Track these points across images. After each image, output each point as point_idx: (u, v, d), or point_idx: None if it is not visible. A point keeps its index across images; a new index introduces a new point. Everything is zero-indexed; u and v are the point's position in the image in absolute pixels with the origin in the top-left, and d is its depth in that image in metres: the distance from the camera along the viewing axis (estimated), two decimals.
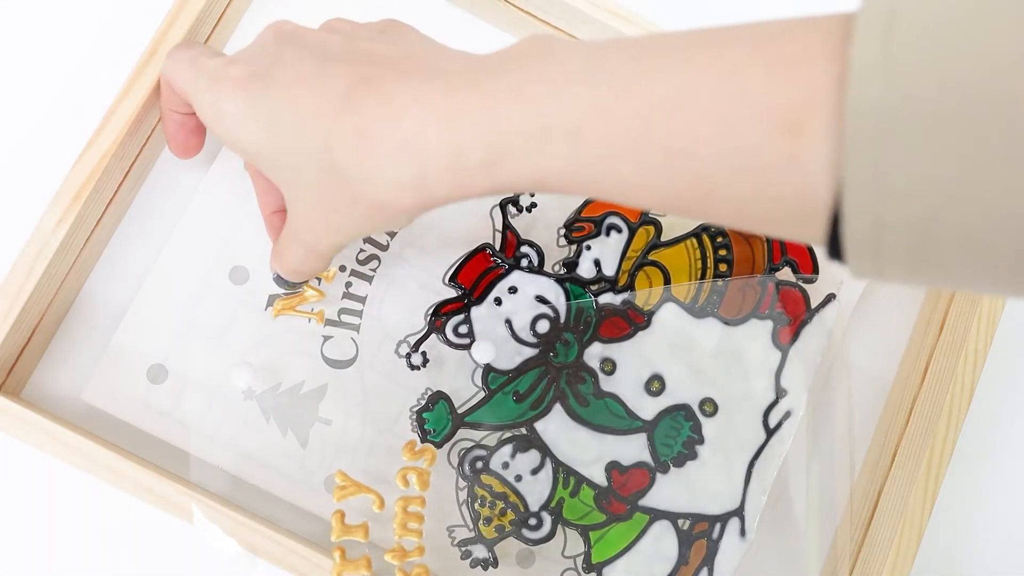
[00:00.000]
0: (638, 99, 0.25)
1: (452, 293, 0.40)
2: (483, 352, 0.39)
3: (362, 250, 0.41)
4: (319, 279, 0.40)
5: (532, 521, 0.39)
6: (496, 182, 0.27)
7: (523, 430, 0.39)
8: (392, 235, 0.41)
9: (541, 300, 0.40)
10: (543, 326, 0.40)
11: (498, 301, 0.40)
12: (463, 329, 0.40)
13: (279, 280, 0.40)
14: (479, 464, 0.39)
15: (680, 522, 0.40)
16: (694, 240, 0.41)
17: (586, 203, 0.41)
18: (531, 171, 0.27)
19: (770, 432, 0.41)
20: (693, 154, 0.24)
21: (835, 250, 0.23)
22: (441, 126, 0.27)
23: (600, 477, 0.40)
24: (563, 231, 0.41)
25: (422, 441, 0.39)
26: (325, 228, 0.32)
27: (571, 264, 0.41)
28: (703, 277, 0.41)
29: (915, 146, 0.21)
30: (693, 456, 0.40)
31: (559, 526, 0.39)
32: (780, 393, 0.41)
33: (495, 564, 0.39)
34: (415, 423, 0.39)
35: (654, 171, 0.25)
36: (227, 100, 0.31)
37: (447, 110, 0.27)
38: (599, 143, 0.25)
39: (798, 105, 0.23)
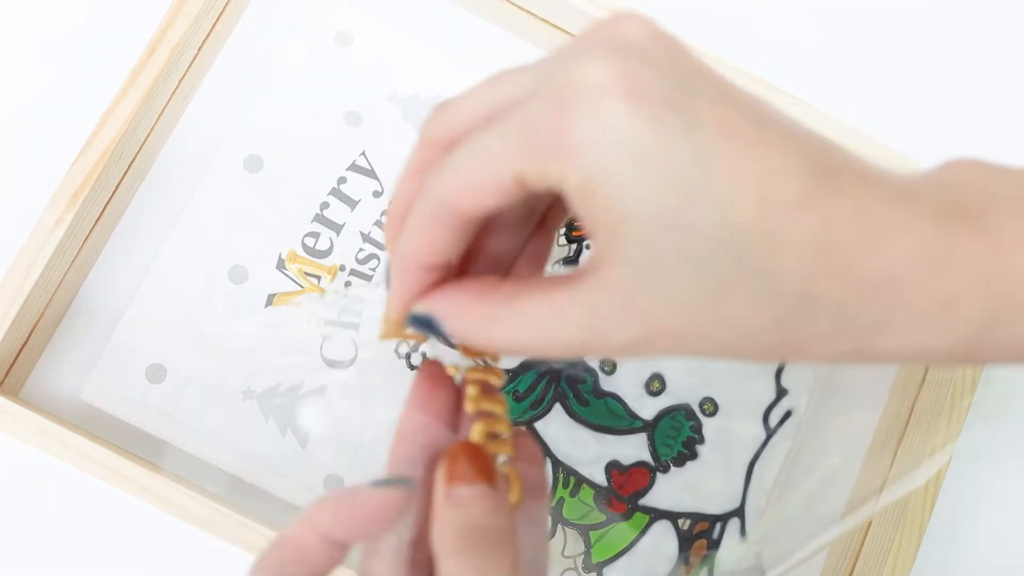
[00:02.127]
0: None
1: None
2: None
3: (361, 249, 0.41)
4: (318, 277, 0.40)
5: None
6: (983, 346, 0.22)
7: (523, 430, 0.39)
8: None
9: None
10: None
11: None
12: None
13: (418, 325, 0.26)
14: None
15: (680, 522, 0.40)
16: None
17: None
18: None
19: (771, 432, 0.41)
20: None
21: None
22: (932, 268, 0.21)
23: (600, 477, 0.39)
24: (563, 230, 0.41)
25: None
26: (676, 337, 0.22)
27: (571, 263, 0.41)
28: None
29: None
30: (693, 456, 0.40)
31: (559, 526, 0.39)
32: (781, 392, 0.41)
33: None
34: None
35: None
36: (625, 118, 0.20)
37: (942, 249, 0.21)
38: None
39: None
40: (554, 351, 0.23)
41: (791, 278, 0.21)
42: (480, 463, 0.24)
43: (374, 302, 0.41)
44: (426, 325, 0.25)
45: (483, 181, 0.22)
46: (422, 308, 0.25)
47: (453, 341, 0.25)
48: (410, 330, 0.26)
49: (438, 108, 0.24)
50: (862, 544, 0.41)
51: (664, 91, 0.20)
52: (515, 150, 0.21)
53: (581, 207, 0.21)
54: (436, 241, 0.24)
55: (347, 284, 0.41)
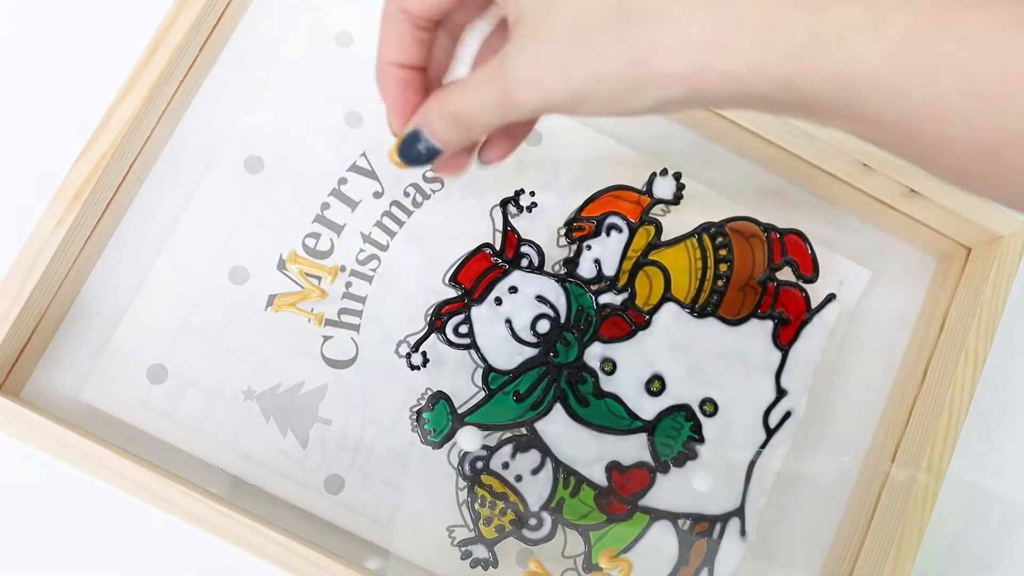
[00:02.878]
0: (987, 14, 0.22)
1: (452, 293, 0.40)
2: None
3: (362, 250, 0.41)
4: (319, 278, 0.40)
5: (532, 521, 0.39)
6: (799, 69, 0.24)
7: (523, 430, 0.39)
8: (392, 235, 0.41)
9: (541, 300, 0.40)
10: (543, 326, 0.40)
11: (498, 301, 0.40)
12: (463, 329, 0.40)
13: (410, 150, 0.31)
14: (479, 464, 0.39)
15: (680, 522, 0.40)
16: (694, 240, 0.41)
17: (586, 203, 0.41)
18: (842, 68, 0.23)
19: (770, 432, 0.41)
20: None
21: None
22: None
23: (600, 477, 0.40)
24: (563, 231, 0.41)
25: (422, 441, 0.39)
26: (555, 70, 0.26)
27: (571, 264, 0.41)
28: (703, 277, 0.41)
29: None
30: (693, 456, 0.40)
31: (559, 526, 0.39)
32: (780, 393, 0.41)
33: (495, 564, 0.39)
34: (415, 423, 0.39)
35: (977, 99, 0.22)
36: None
37: None
38: (929, 50, 0.23)
39: None
40: (487, 105, 0.28)
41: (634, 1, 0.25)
42: None
43: (375, 302, 0.41)
44: (413, 148, 0.31)
45: None
46: (409, 128, 0.31)
47: (439, 146, 0.30)
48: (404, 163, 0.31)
49: None
50: (862, 544, 0.41)
51: None
52: None
53: None
54: (397, 41, 0.30)
55: (348, 285, 0.41)
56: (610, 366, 0.40)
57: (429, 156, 0.31)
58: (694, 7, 0.24)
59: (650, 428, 0.40)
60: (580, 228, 0.41)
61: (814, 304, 0.42)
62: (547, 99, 0.27)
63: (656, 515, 0.40)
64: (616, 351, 0.40)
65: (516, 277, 0.40)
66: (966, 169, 0.24)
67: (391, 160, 0.32)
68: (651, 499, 0.40)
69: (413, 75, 0.31)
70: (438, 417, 0.39)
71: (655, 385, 0.40)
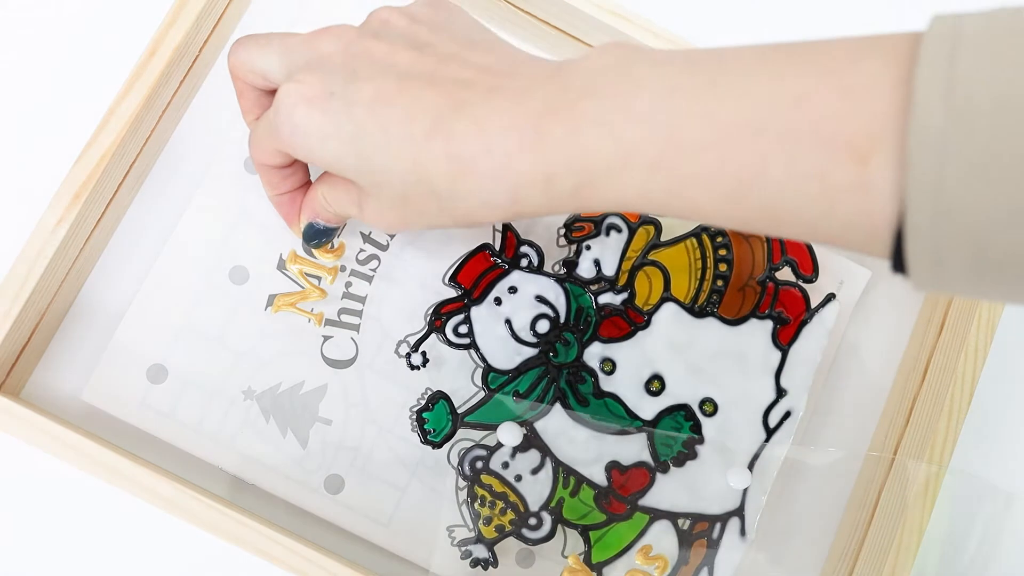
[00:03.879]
0: (713, 130, 0.26)
1: (452, 293, 0.40)
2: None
3: (362, 250, 0.41)
4: (319, 278, 0.40)
5: (532, 521, 0.39)
6: (582, 203, 0.29)
7: (523, 430, 0.39)
8: (392, 235, 0.41)
9: (541, 300, 0.40)
10: (543, 326, 0.40)
11: (498, 301, 0.40)
12: (463, 329, 0.40)
13: (312, 234, 0.38)
14: (479, 464, 0.39)
15: (680, 522, 0.40)
16: (694, 240, 0.41)
17: None
18: (614, 195, 0.28)
19: (770, 432, 0.41)
20: (763, 182, 0.25)
21: (899, 265, 0.24)
22: (534, 154, 0.28)
23: (600, 477, 0.40)
24: (563, 231, 0.41)
25: (422, 441, 0.39)
26: (399, 221, 0.32)
27: (571, 264, 0.41)
28: (703, 277, 0.41)
29: (973, 174, 0.22)
30: (693, 456, 0.40)
31: (559, 526, 0.39)
32: (780, 393, 0.41)
33: (495, 564, 0.39)
34: (415, 423, 0.39)
35: (726, 199, 0.26)
36: (305, 119, 0.31)
37: (537, 137, 0.28)
38: (675, 173, 0.26)
39: (866, 134, 0.23)
40: (342, 206, 0.35)
41: (441, 183, 0.30)
42: None
43: (375, 302, 0.41)
44: (313, 233, 0.38)
45: (265, 152, 0.35)
46: (304, 220, 0.38)
47: (327, 225, 0.37)
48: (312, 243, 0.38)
49: (235, 45, 0.35)
50: (862, 544, 0.41)
51: (329, 90, 0.31)
52: (269, 138, 0.34)
53: (327, 169, 0.33)
54: (271, 181, 0.37)
55: (348, 285, 0.41)
56: (609, 366, 0.40)
57: (328, 233, 0.38)
58: (481, 179, 0.29)
59: (650, 428, 0.40)
60: (580, 228, 0.41)
61: (814, 304, 0.42)
62: (396, 231, 0.38)
63: (656, 515, 0.40)
64: (616, 351, 0.40)
65: (516, 277, 0.40)
66: (737, 225, 0.28)
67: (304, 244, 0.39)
68: (651, 499, 0.40)
69: (295, 194, 0.38)
70: (438, 417, 0.39)
71: (655, 385, 0.40)
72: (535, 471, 0.39)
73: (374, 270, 0.41)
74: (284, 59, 0.33)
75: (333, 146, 0.31)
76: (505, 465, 0.39)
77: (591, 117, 0.27)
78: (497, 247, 0.40)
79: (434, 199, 0.30)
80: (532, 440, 0.39)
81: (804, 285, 0.42)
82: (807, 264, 0.42)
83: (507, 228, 0.41)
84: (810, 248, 0.42)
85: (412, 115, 0.29)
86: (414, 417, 0.39)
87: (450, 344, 0.40)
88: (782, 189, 0.25)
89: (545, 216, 0.31)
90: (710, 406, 0.41)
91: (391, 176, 0.30)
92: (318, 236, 0.38)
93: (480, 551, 0.39)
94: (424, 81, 0.30)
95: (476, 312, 0.40)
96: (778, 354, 0.41)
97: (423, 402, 0.39)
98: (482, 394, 0.39)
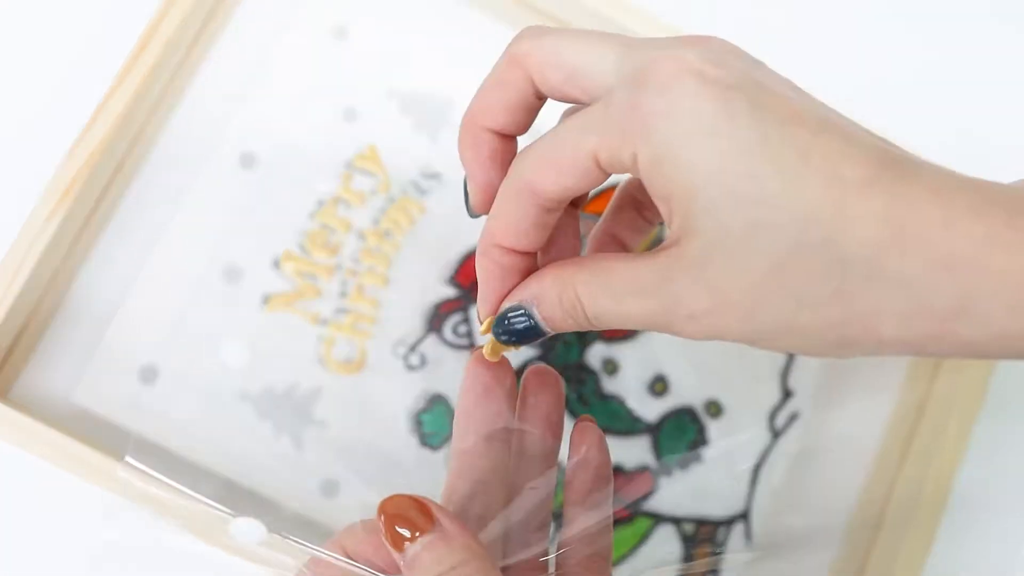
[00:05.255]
0: None
1: (451, 292, 0.40)
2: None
3: (359, 249, 0.40)
4: (314, 277, 0.40)
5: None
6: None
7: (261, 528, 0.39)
8: (389, 234, 0.41)
9: None
10: None
11: None
12: (462, 329, 0.39)
13: (507, 325, 0.27)
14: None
15: (684, 526, 0.39)
16: None
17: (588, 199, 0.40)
18: None
19: (776, 434, 0.41)
20: None
21: None
22: (1008, 250, 0.20)
23: None
24: None
25: (420, 443, 0.38)
26: (739, 312, 0.22)
27: None
28: None
29: None
30: (698, 459, 0.40)
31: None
32: (787, 394, 0.41)
33: None
34: (413, 425, 0.39)
35: None
36: (695, 99, 0.22)
37: (1016, 231, 0.20)
38: None
39: None
40: (632, 320, 0.24)
41: (859, 251, 0.21)
42: (412, 517, 0.25)
43: (372, 302, 0.40)
44: (514, 323, 0.26)
45: (564, 161, 0.23)
46: (510, 302, 0.26)
47: (546, 328, 0.26)
48: (502, 337, 0.27)
49: (531, 32, 0.25)
50: (870, 548, 0.40)
51: (733, 79, 0.22)
52: (593, 130, 0.23)
53: (652, 182, 0.23)
54: (520, 223, 0.25)
55: (344, 284, 0.40)
56: (612, 367, 0.40)
57: (526, 336, 0.26)
58: (933, 265, 0.21)
59: (654, 430, 0.40)
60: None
61: None
62: (716, 336, 0.23)
63: (659, 519, 0.39)
64: (618, 351, 0.40)
65: None
66: None
67: (486, 345, 0.28)
68: (654, 503, 0.39)
69: (520, 259, 0.26)
70: (436, 419, 0.39)
71: (658, 386, 0.40)
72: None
73: (371, 269, 0.40)
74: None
75: (719, 149, 0.22)
76: None
77: None
78: None
79: (831, 275, 0.21)
80: None
81: None
82: None
83: None
84: None
85: (846, 152, 0.21)
86: (412, 419, 0.39)
87: (449, 344, 0.39)
88: None
89: (959, 355, 0.22)
90: (715, 408, 0.40)
91: (776, 214, 0.21)
92: (512, 336, 0.27)
93: None
94: (845, 125, 0.23)
95: (475, 312, 0.39)
96: (784, 354, 0.41)
97: (421, 404, 0.39)
98: None
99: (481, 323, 0.28)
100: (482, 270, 0.27)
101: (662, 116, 0.22)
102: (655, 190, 0.23)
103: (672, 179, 0.22)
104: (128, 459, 0.34)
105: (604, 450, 0.30)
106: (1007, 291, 0.20)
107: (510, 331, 0.26)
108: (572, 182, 0.24)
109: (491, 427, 0.28)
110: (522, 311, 0.26)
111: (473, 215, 0.28)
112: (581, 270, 0.25)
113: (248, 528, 0.32)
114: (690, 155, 0.22)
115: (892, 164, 0.21)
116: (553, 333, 0.26)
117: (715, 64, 0.22)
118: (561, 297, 0.25)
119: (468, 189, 0.28)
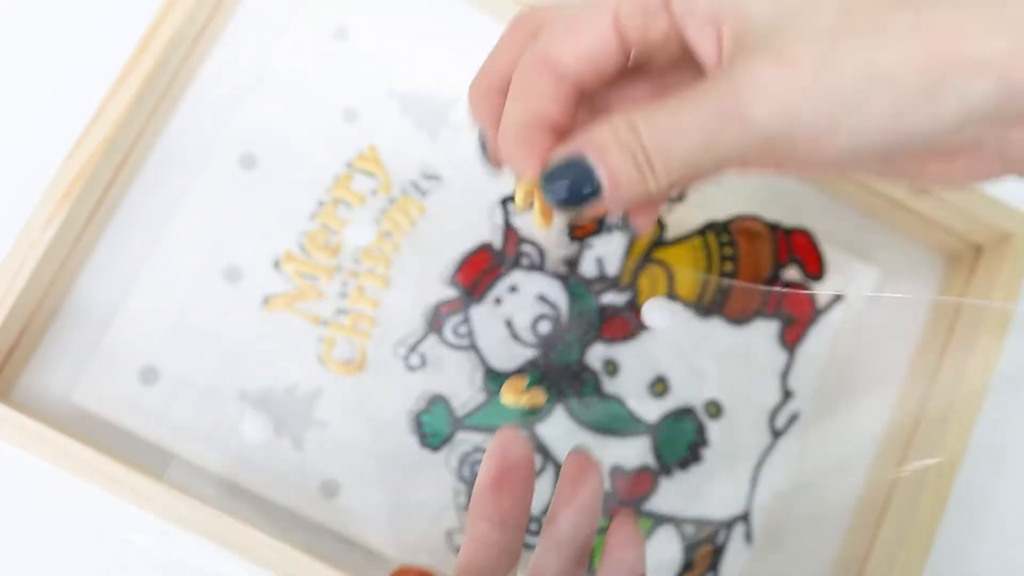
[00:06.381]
0: None
1: (451, 293, 0.40)
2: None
3: (359, 249, 0.40)
4: (315, 278, 0.40)
5: (532, 525, 0.38)
6: None
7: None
8: (389, 234, 0.41)
9: (542, 299, 0.39)
10: (544, 326, 0.39)
11: (498, 301, 0.39)
12: (462, 329, 0.39)
13: (558, 185, 0.22)
14: (478, 467, 0.38)
15: (684, 527, 0.39)
16: (699, 239, 0.41)
17: None
18: None
19: (776, 434, 0.40)
20: None
21: None
22: None
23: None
24: (566, 230, 0.41)
25: (420, 444, 0.38)
26: (811, 68, 0.20)
27: (573, 262, 0.40)
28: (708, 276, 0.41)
29: None
30: (698, 459, 0.40)
31: None
32: (787, 395, 0.41)
33: None
34: (413, 426, 0.39)
35: None
36: None
37: None
38: None
39: None
40: (718, 152, 0.21)
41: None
42: None
43: (373, 302, 0.40)
44: (570, 182, 0.22)
45: (584, 30, 0.22)
46: (565, 153, 0.22)
47: (605, 181, 0.22)
48: (548, 198, 0.22)
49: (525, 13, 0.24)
50: (870, 549, 0.40)
51: None
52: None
53: (695, 7, 0.21)
54: (543, 97, 0.23)
55: (344, 285, 0.40)
56: (612, 367, 0.40)
57: (582, 197, 0.22)
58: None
59: (654, 430, 0.39)
60: (582, 226, 0.40)
61: (821, 304, 0.41)
62: (791, 115, 0.20)
63: (660, 520, 0.39)
64: (618, 352, 0.40)
65: (516, 276, 0.40)
66: None
67: (525, 210, 0.25)
68: (654, 503, 0.39)
69: (548, 135, 0.23)
70: (437, 419, 0.39)
71: (659, 387, 0.40)
72: (536, 475, 0.39)
73: (371, 270, 0.40)
74: None
75: None
76: None
77: None
78: (497, 246, 0.40)
79: (902, 5, 0.19)
80: (533, 443, 0.39)
81: (811, 284, 0.41)
82: (814, 263, 0.41)
83: (508, 226, 0.40)
84: (817, 247, 0.41)
85: None
86: (412, 419, 0.39)
87: (449, 345, 0.39)
88: None
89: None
90: (715, 408, 0.40)
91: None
92: (568, 196, 0.22)
93: None
94: None
95: (475, 312, 0.39)
96: (785, 355, 0.41)
97: (421, 404, 0.39)
98: (482, 396, 0.39)
99: (517, 191, 0.24)
100: (514, 144, 0.23)
101: None
102: (700, 13, 0.21)
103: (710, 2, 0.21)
104: (168, 477, 0.35)
105: (640, 548, 0.29)
106: None
107: (559, 192, 0.22)
108: (593, 52, 0.22)
109: (504, 516, 0.27)
110: (577, 163, 0.22)
111: (493, 167, 0.26)
112: (641, 108, 0.22)
113: (258, 423, 0.34)
114: None
115: None
116: (612, 196, 0.22)
117: None
118: (619, 138, 0.21)
119: (512, 157, 0.24)
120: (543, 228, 0.24)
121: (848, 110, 0.19)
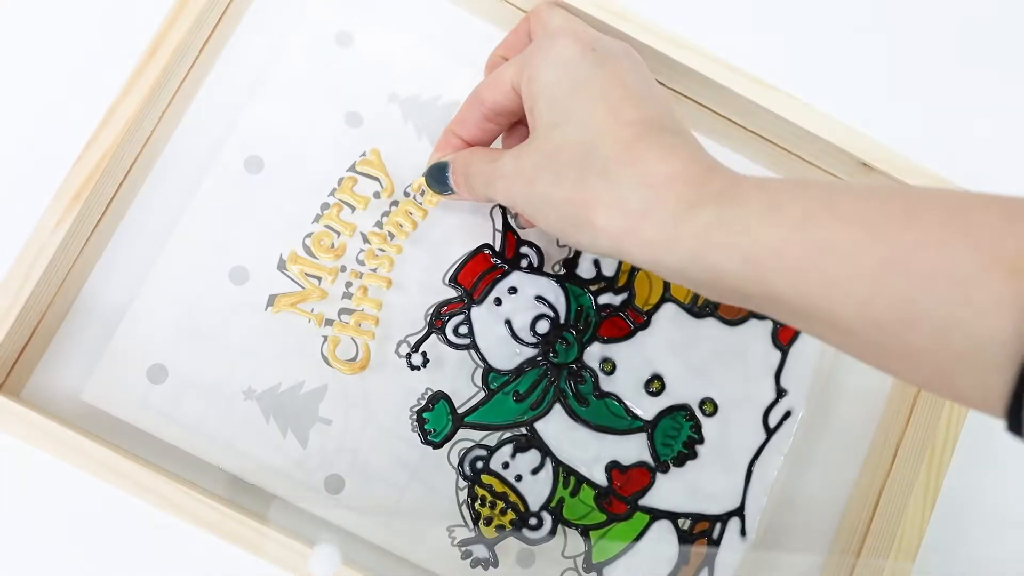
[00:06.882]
0: (873, 202, 0.25)
1: (452, 293, 0.40)
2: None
3: (362, 250, 0.41)
4: (319, 278, 0.40)
5: (532, 521, 0.39)
6: (700, 253, 0.27)
7: (523, 430, 0.39)
8: (392, 236, 0.41)
9: (541, 300, 0.40)
10: (543, 326, 0.40)
11: (498, 301, 0.40)
12: (463, 329, 0.40)
13: (432, 173, 0.38)
14: (479, 464, 0.39)
15: (680, 522, 0.40)
16: None
17: None
18: (742, 244, 0.27)
19: (770, 432, 0.41)
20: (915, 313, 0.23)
21: (1015, 422, 0.22)
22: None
23: (600, 477, 0.40)
24: None
25: (423, 441, 0.39)
26: (524, 178, 0.32)
27: (571, 264, 0.41)
28: None
29: None
30: (693, 456, 0.40)
31: (559, 526, 0.39)
32: (780, 393, 0.41)
33: (495, 564, 0.39)
34: (415, 423, 0.39)
35: (862, 281, 0.24)
36: (564, 48, 0.33)
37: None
38: (818, 235, 0.25)
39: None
40: (489, 195, 0.35)
41: (606, 154, 0.30)
42: None
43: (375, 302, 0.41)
44: (437, 175, 0.38)
45: (497, 83, 0.35)
46: (438, 157, 0.38)
47: (451, 181, 0.37)
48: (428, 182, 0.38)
49: (489, 64, 0.40)
50: (863, 543, 0.41)
51: (594, 42, 0.33)
52: (513, 64, 0.34)
53: (524, 93, 0.34)
54: (468, 119, 0.37)
55: (348, 285, 0.41)
56: (609, 366, 0.40)
57: (444, 188, 0.38)
58: (637, 180, 0.29)
59: (650, 428, 0.40)
60: None
61: None
62: (510, 201, 0.33)
63: (656, 515, 0.40)
64: (615, 351, 0.40)
65: (516, 278, 0.40)
66: (869, 347, 0.25)
67: (419, 188, 0.41)
68: (651, 499, 0.40)
69: (464, 146, 0.38)
70: (438, 417, 0.39)
71: (655, 385, 0.40)
72: (535, 471, 0.39)
73: (374, 270, 0.41)
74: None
75: (567, 77, 0.32)
76: (505, 465, 0.39)
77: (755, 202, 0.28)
78: (497, 247, 0.40)
79: (583, 166, 0.30)
80: (532, 440, 0.39)
81: None
82: None
83: (507, 228, 0.41)
84: None
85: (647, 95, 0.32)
86: (414, 417, 0.39)
87: (450, 344, 0.40)
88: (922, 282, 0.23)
89: (650, 262, 0.29)
90: (710, 406, 0.41)
91: (570, 123, 0.31)
92: (435, 181, 0.38)
93: (480, 551, 0.39)
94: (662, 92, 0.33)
95: (476, 312, 0.40)
96: (778, 354, 0.41)
97: (423, 402, 0.39)
98: (482, 394, 0.39)
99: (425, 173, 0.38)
100: (439, 143, 0.38)
101: (542, 52, 0.33)
102: (525, 100, 0.34)
103: (531, 92, 0.33)
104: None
105: None
106: (671, 208, 0.28)
107: (433, 176, 0.38)
108: (500, 96, 0.35)
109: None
110: (443, 166, 0.37)
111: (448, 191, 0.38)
112: (486, 156, 0.35)
113: (326, 554, 0.35)
114: (548, 75, 0.32)
115: (651, 123, 0.30)
116: (455, 191, 0.37)
117: (583, 31, 0.34)
118: (462, 165, 0.36)
119: (434, 151, 0.39)
120: (431, 204, 0.41)
121: (535, 212, 0.32)
